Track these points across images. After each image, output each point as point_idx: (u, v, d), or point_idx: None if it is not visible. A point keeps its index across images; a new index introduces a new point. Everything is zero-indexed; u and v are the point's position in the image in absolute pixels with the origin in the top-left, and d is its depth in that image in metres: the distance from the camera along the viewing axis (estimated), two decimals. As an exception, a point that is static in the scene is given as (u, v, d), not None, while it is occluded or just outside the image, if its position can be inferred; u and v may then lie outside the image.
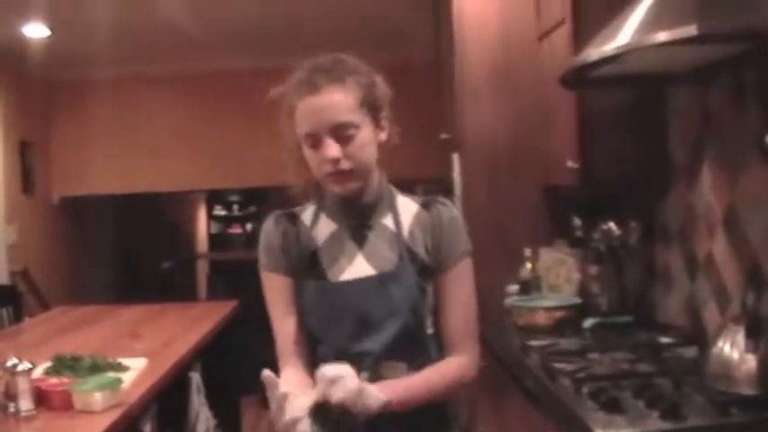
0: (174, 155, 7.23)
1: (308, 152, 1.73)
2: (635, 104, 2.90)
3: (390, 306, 1.73)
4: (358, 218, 1.79)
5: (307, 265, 1.80)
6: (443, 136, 4.15)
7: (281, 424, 1.53)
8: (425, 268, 1.79)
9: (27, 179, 6.69)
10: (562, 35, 3.05)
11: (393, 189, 1.87)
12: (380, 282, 1.74)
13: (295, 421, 1.52)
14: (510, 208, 3.69)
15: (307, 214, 1.87)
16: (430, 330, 1.82)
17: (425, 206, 1.85)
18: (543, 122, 3.44)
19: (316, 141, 1.69)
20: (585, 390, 2.11)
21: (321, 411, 1.56)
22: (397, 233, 1.80)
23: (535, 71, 3.50)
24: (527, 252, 3.48)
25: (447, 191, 4.02)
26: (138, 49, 6.35)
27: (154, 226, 10.85)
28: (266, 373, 1.54)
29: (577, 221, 3.31)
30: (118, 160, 7.20)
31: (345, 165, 1.69)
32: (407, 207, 1.85)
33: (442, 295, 1.81)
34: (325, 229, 1.83)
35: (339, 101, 1.68)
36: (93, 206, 7.82)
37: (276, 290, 1.83)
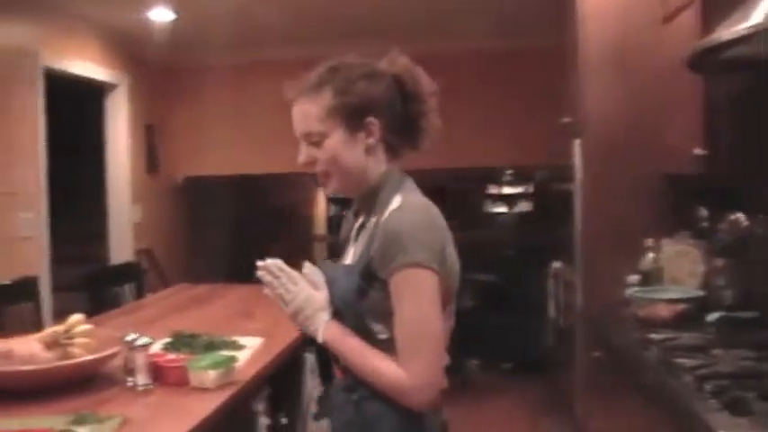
0: (291, 137, 7.30)
1: None
2: (763, 91, 2.75)
3: (331, 297, 1.86)
4: (364, 215, 1.93)
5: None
6: (564, 120, 4.05)
7: (308, 310, 1.85)
8: (368, 270, 1.76)
9: (151, 160, 6.91)
10: (690, 16, 2.95)
11: (397, 188, 1.84)
12: (333, 271, 1.90)
13: (321, 309, 1.84)
14: (630, 196, 3.59)
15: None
16: (383, 336, 1.77)
17: (394, 211, 1.78)
18: (662, 108, 3.33)
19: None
20: (708, 388, 2.02)
21: None
22: (373, 232, 1.80)
23: (657, 54, 3.39)
24: (648, 242, 3.37)
25: (566, 178, 3.93)
26: (254, 34, 6.46)
27: (270, 207, 11.02)
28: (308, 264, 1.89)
29: (703, 212, 3.18)
30: (234, 143, 7.36)
31: (318, 167, 1.87)
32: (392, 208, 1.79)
33: (392, 306, 1.74)
34: (352, 223, 2.00)
35: (307, 111, 1.87)
36: (212, 187, 8.01)
37: None
